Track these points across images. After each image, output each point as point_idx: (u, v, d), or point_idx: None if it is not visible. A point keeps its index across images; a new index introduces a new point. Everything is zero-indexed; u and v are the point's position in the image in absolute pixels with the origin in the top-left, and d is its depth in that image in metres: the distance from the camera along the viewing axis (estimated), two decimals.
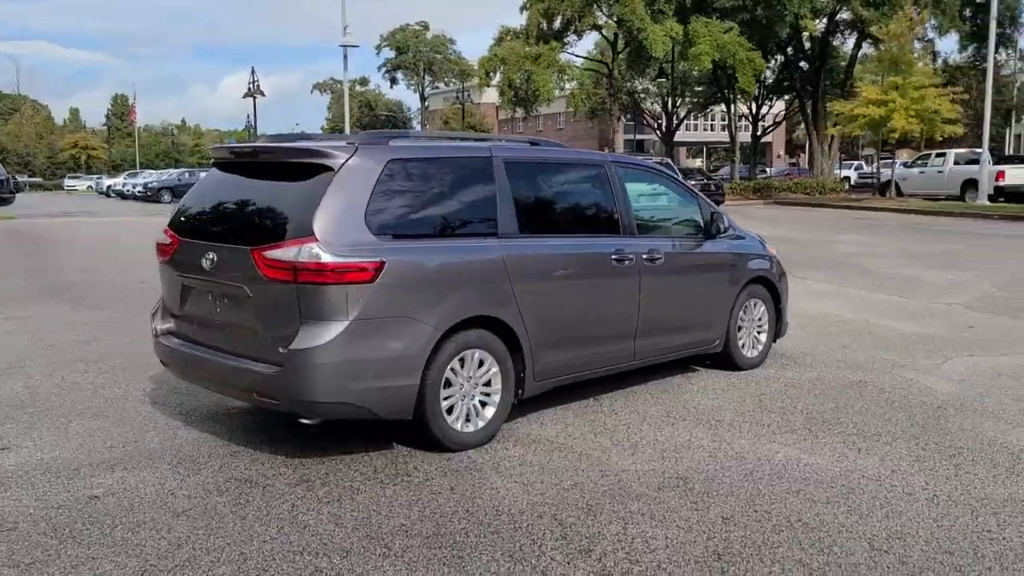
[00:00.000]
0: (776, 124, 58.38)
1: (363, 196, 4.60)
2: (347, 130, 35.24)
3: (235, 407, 5.81)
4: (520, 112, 37.03)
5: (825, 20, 40.64)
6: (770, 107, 54.30)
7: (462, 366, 4.89)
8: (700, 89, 54.27)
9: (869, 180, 41.31)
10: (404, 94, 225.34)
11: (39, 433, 5.27)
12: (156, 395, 6.13)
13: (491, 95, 70.08)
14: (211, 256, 4.83)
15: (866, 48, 43.70)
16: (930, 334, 8.38)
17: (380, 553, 3.62)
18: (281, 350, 4.48)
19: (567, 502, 4.17)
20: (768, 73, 44.78)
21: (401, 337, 4.60)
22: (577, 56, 40.03)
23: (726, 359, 6.78)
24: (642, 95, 58.12)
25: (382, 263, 4.50)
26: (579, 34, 38.99)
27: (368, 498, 4.22)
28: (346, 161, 4.62)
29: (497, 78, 37.00)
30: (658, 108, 59.32)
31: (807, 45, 42.63)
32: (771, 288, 7.13)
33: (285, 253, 4.43)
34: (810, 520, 3.92)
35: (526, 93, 35.68)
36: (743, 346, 6.85)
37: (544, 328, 5.23)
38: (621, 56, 38.63)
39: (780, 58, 44.17)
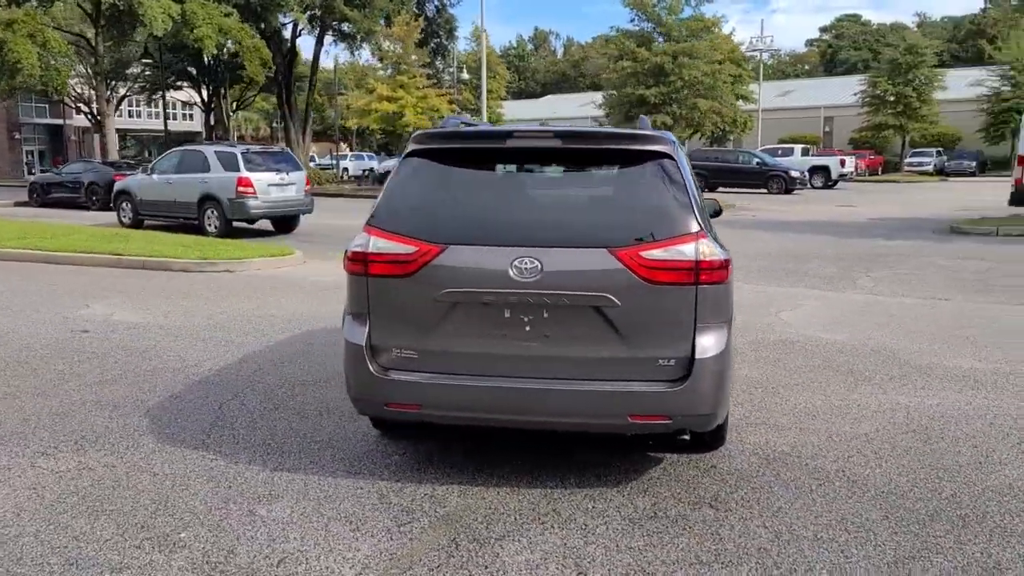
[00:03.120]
0: (238, 108, 57.69)
1: (694, 186, 4.34)
2: None
3: (399, 448, 4.75)
4: None
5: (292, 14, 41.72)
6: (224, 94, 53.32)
7: None
8: (139, 71, 50.51)
9: (365, 172, 44.35)
10: None
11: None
12: (265, 462, 4.63)
13: None
14: (527, 263, 3.99)
15: (329, 43, 46.19)
16: None
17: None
18: (663, 362, 4.03)
19: (935, 478, 4.47)
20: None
21: (730, 336, 4.47)
22: (57, 28, 34.31)
23: None
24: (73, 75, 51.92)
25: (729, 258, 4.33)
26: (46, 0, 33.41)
27: (790, 510, 4.13)
28: (674, 147, 4.28)
29: None
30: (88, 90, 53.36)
31: (285, 37, 43.23)
32: None
33: (678, 253, 3.98)
34: None
35: (1, 64, 29.43)
36: None
37: None
38: (103, 31, 34.31)
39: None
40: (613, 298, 3.98)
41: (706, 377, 4.03)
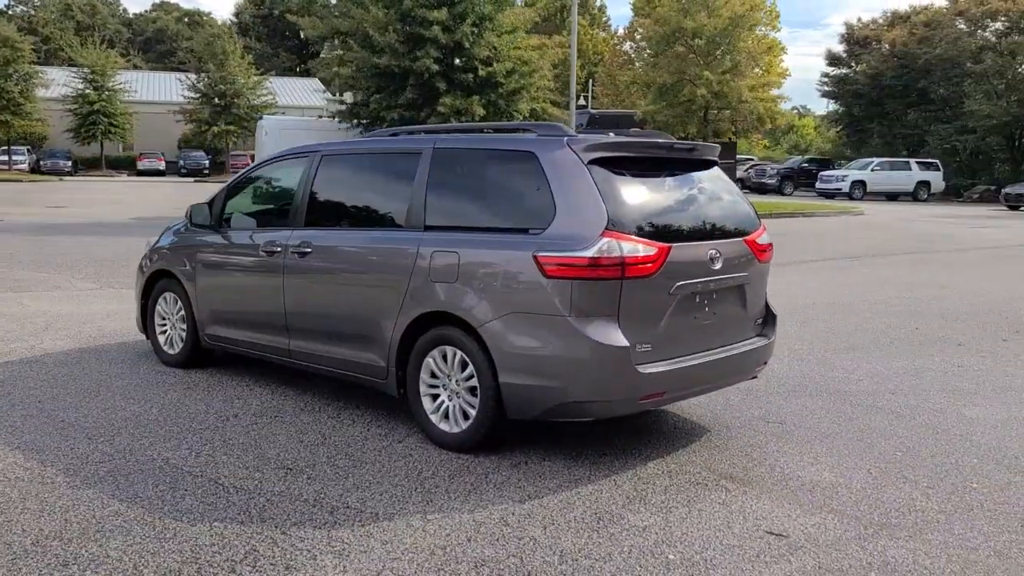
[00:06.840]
0: None
1: None
2: None
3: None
4: None
5: None
6: None
7: None
8: None
9: None
10: None
11: None
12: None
13: None
14: (715, 252, 4.69)
15: None
16: None
17: None
18: (758, 322, 5.18)
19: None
20: None
21: None
22: None
23: None
24: None
25: None
26: None
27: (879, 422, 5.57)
28: None
29: None
30: None
31: None
32: None
33: (766, 238, 5.16)
34: None
35: None
36: None
37: None
38: None
39: None
40: (749, 276, 4.98)
41: (777, 330, 5.34)
